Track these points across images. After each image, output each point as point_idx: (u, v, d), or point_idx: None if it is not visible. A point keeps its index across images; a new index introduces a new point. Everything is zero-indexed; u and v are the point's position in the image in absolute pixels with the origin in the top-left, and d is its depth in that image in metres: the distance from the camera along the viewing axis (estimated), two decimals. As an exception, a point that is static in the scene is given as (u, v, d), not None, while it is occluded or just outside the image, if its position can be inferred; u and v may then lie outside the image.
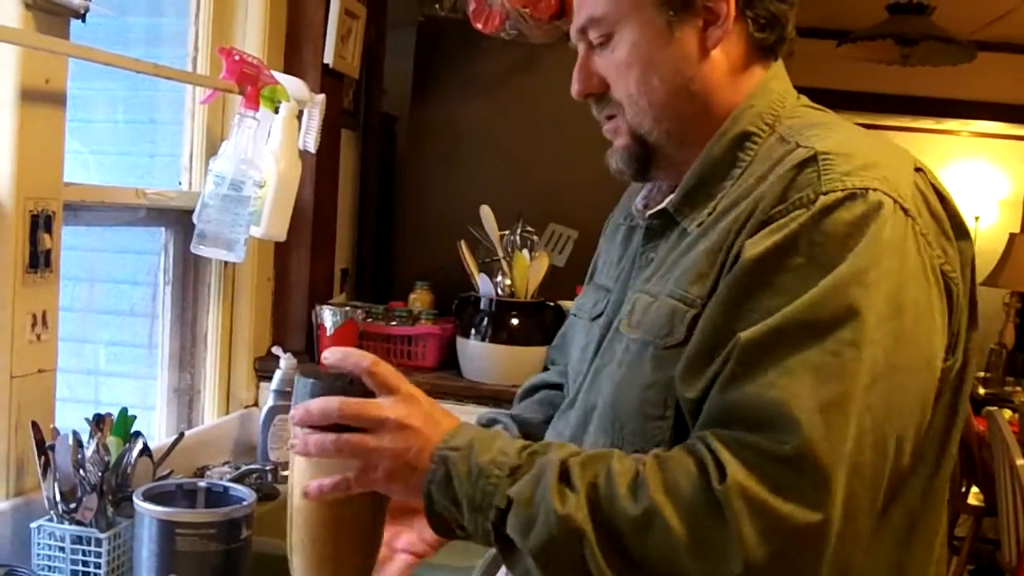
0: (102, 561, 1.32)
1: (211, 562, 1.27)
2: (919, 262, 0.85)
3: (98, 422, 1.41)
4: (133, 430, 1.45)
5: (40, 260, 1.39)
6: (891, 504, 0.88)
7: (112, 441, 1.42)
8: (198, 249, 1.66)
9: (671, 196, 1.02)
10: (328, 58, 2.14)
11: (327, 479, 0.89)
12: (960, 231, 0.92)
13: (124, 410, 1.46)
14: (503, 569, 1.12)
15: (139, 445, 1.43)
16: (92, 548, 1.32)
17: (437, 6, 2.50)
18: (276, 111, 1.79)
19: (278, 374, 1.90)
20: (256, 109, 1.68)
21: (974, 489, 4.00)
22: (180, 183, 1.94)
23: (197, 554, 1.26)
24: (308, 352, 2.17)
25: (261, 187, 1.71)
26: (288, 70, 2.04)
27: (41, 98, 1.39)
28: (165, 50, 1.93)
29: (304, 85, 1.90)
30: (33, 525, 1.34)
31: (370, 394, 0.91)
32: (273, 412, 1.89)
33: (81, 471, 1.34)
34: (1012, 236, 5.85)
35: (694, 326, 0.90)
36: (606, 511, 0.82)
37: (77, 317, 1.76)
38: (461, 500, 0.86)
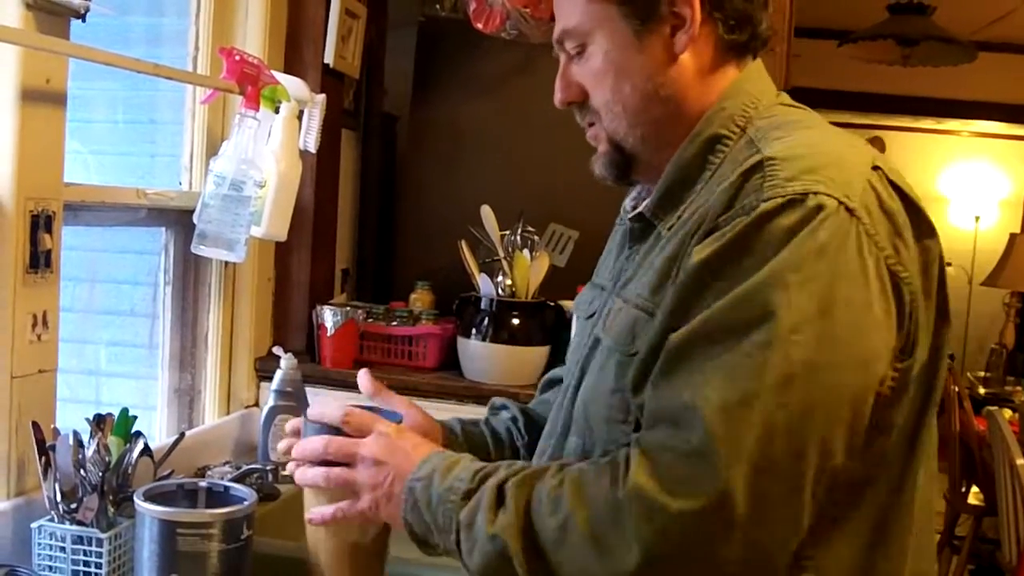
0: (103, 561, 1.32)
1: (212, 562, 1.27)
2: (859, 263, 0.86)
3: (99, 422, 1.41)
4: (134, 430, 1.45)
5: (40, 260, 1.39)
6: (858, 503, 0.90)
7: (113, 441, 1.42)
8: (198, 249, 1.66)
9: (647, 200, 1.05)
10: (328, 58, 2.14)
11: (328, 507, 1.04)
12: (922, 229, 0.92)
13: (125, 410, 1.46)
14: None
15: (140, 445, 1.43)
16: (93, 548, 1.32)
17: (438, 6, 2.50)
18: (276, 111, 1.79)
19: (279, 374, 1.90)
20: (256, 109, 1.68)
21: (974, 489, 4.00)
22: (180, 183, 1.94)
23: (198, 554, 1.26)
24: (308, 352, 2.17)
25: (262, 187, 1.71)
26: (288, 70, 2.04)
27: (41, 98, 1.39)
28: (165, 50, 1.93)
29: (304, 85, 1.90)
30: (34, 525, 1.33)
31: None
32: (274, 412, 1.88)
33: (82, 471, 1.34)
34: (1013, 236, 5.85)
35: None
36: (535, 526, 0.87)
37: (77, 317, 1.76)
38: (430, 524, 0.95)
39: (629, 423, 0.93)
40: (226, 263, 1.98)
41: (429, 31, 2.50)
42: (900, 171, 0.97)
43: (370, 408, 1.14)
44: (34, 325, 1.40)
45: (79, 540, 1.33)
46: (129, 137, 1.95)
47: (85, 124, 1.72)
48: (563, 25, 1.05)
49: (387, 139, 2.73)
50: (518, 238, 2.13)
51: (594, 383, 1.02)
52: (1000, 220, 7.83)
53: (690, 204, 0.98)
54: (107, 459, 1.38)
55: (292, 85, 1.84)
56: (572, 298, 1.72)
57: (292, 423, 1.19)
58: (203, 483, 1.42)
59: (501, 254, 2.12)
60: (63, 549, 1.32)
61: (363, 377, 1.24)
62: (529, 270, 2.10)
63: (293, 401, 1.89)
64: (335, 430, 1.05)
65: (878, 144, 8.04)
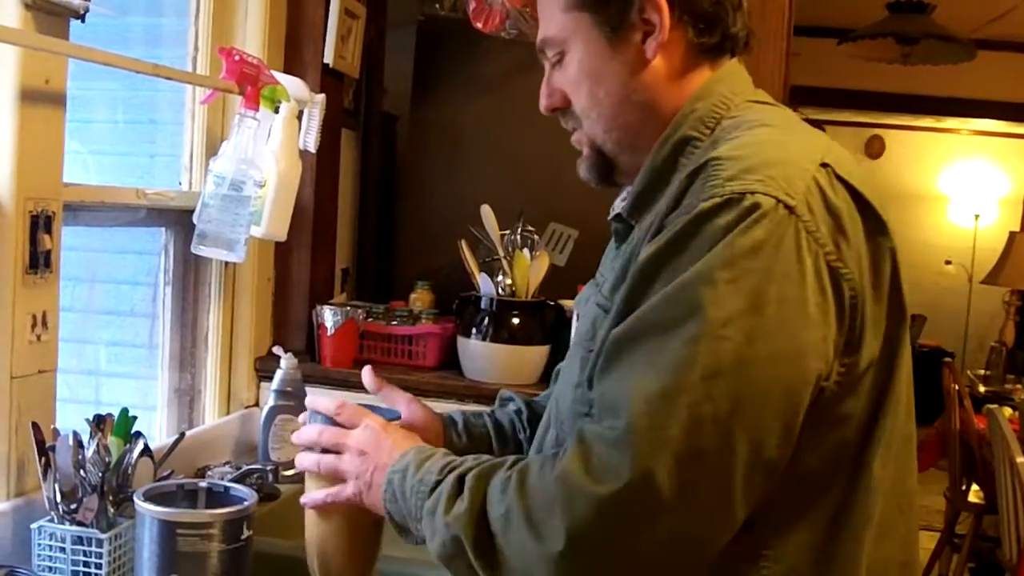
0: (103, 562, 1.32)
1: (212, 562, 1.27)
2: (797, 260, 0.87)
3: (99, 423, 1.41)
4: (134, 430, 1.45)
5: (40, 261, 1.39)
6: (815, 495, 0.92)
7: (113, 441, 1.42)
8: (198, 249, 1.66)
9: (625, 202, 1.08)
10: (328, 58, 2.14)
11: (320, 492, 1.11)
12: (873, 225, 0.94)
13: (125, 410, 1.46)
14: None
15: (140, 445, 1.43)
16: (93, 549, 1.32)
17: (437, 5, 2.50)
18: (276, 111, 1.79)
19: (279, 374, 1.90)
20: (256, 109, 1.68)
21: (974, 487, 4.00)
22: (180, 183, 1.94)
23: (198, 554, 1.26)
24: (308, 352, 2.17)
25: (261, 187, 1.71)
26: (288, 70, 2.04)
27: (41, 98, 1.39)
28: (165, 50, 1.93)
29: (304, 85, 1.90)
30: (34, 526, 1.33)
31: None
32: (274, 412, 1.89)
33: (82, 472, 1.34)
34: (1012, 235, 5.85)
35: None
36: (487, 514, 0.91)
37: (77, 318, 1.76)
38: (406, 514, 1.00)
39: (591, 416, 0.96)
40: (226, 263, 1.98)
41: (429, 30, 2.50)
42: (857, 167, 0.98)
43: (369, 406, 1.18)
44: (34, 325, 1.40)
45: (79, 541, 1.33)
46: (129, 137, 1.95)
47: (85, 124, 1.72)
48: (542, 34, 1.09)
49: (387, 139, 2.73)
50: (518, 237, 2.13)
51: (565, 378, 1.07)
52: (1000, 218, 7.83)
53: (659, 205, 1.01)
54: (107, 459, 1.38)
55: (292, 85, 1.84)
56: (572, 297, 1.72)
57: (304, 414, 1.23)
58: (203, 483, 1.42)
59: (501, 253, 2.12)
60: (63, 550, 1.32)
61: (366, 374, 1.28)
62: (529, 269, 2.10)
63: (293, 401, 1.89)
64: (332, 420, 1.12)
65: (877, 143, 8.05)
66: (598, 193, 1.16)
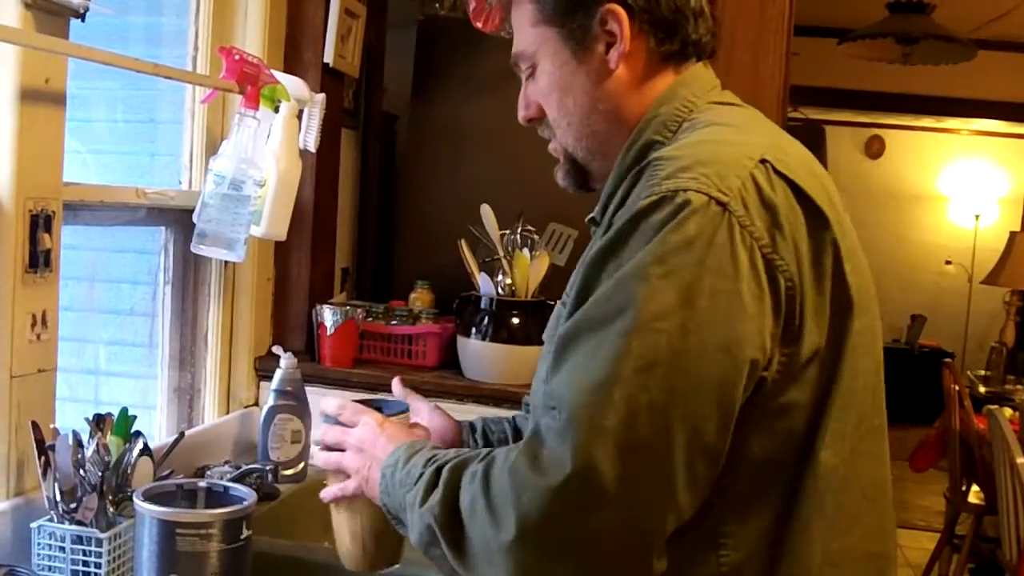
0: (102, 561, 1.32)
1: (211, 562, 1.27)
2: (730, 254, 0.90)
3: (98, 422, 1.41)
4: (133, 430, 1.45)
5: (40, 260, 1.39)
6: (767, 481, 0.95)
7: (112, 441, 1.42)
8: (198, 248, 1.66)
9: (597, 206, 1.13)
10: (328, 57, 2.14)
11: (332, 488, 1.17)
12: (813, 218, 0.96)
13: (124, 410, 1.46)
14: None
15: (139, 445, 1.43)
16: (92, 548, 1.32)
17: (437, 5, 2.50)
18: (276, 110, 1.79)
19: (278, 373, 1.90)
20: (256, 108, 1.68)
21: (975, 487, 4.00)
22: (180, 182, 1.94)
23: (197, 554, 1.26)
24: (308, 352, 2.16)
25: (261, 186, 1.71)
26: (288, 69, 2.04)
27: (41, 98, 1.39)
28: (165, 49, 1.93)
29: (304, 84, 1.90)
30: (33, 525, 1.34)
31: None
32: (273, 412, 1.88)
33: (81, 471, 1.34)
34: (1012, 235, 5.84)
35: None
36: (458, 503, 0.95)
37: (77, 317, 1.76)
38: (397, 506, 1.04)
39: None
40: (226, 262, 1.98)
41: (429, 30, 2.50)
42: (806, 163, 1.01)
43: (378, 401, 1.25)
44: (33, 324, 1.40)
45: (78, 540, 1.33)
46: (129, 136, 1.95)
47: (84, 123, 1.72)
48: (515, 48, 1.14)
49: (387, 138, 2.73)
50: (518, 237, 2.13)
51: (537, 374, 1.12)
52: (1000, 218, 7.83)
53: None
54: (107, 459, 1.38)
55: (292, 84, 1.84)
56: (572, 297, 1.72)
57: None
58: (202, 483, 1.42)
59: (501, 253, 2.12)
60: (62, 549, 1.32)
61: (396, 383, 1.38)
62: (529, 269, 2.10)
63: (293, 401, 1.89)
64: (338, 420, 1.18)
65: (877, 143, 8.05)
66: (597, 193, 1.17)
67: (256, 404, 2.10)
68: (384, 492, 1.06)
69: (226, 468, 1.77)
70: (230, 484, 1.40)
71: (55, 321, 1.44)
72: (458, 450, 1.04)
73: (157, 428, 1.92)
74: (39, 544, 1.33)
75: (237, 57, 1.66)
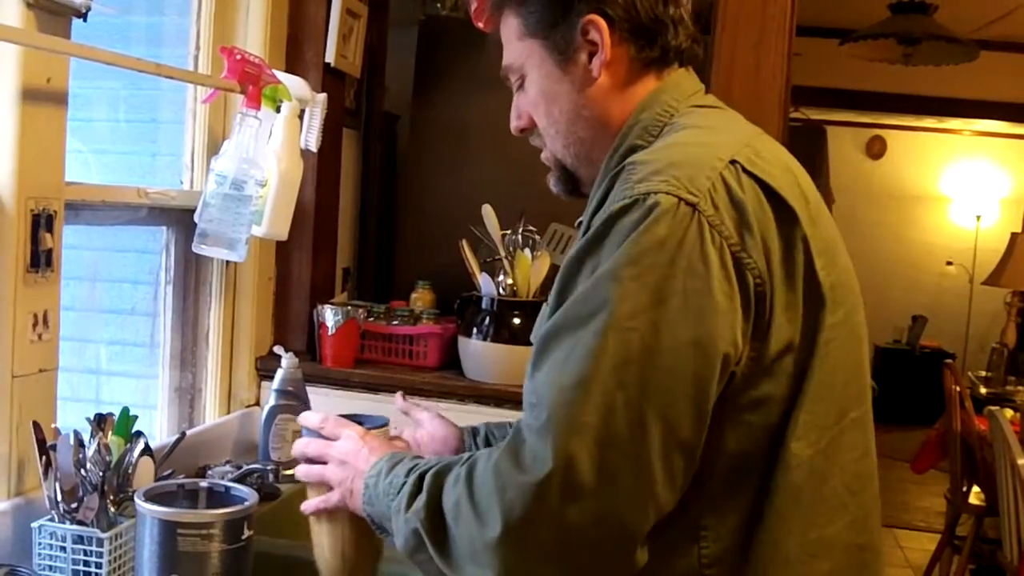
0: (103, 561, 1.32)
1: (213, 562, 1.27)
2: (700, 253, 0.93)
3: (99, 422, 1.41)
4: (134, 430, 1.45)
5: (41, 259, 1.39)
6: (743, 475, 0.98)
7: (113, 441, 1.42)
8: (199, 248, 1.66)
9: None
10: (330, 57, 2.14)
11: (315, 499, 1.18)
12: (783, 216, 0.98)
13: (125, 410, 1.46)
14: None
15: (140, 445, 1.43)
16: (93, 548, 1.32)
17: (438, 5, 2.50)
18: (278, 110, 1.79)
19: (279, 373, 1.90)
20: (258, 108, 1.68)
21: (975, 488, 3.99)
22: (182, 182, 1.94)
23: (198, 554, 1.26)
24: (309, 351, 2.16)
25: (263, 186, 1.71)
26: (290, 69, 2.04)
27: (42, 97, 1.39)
28: (167, 49, 1.93)
29: (306, 84, 1.90)
30: (34, 525, 1.33)
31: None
32: (274, 412, 1.88)
33: (82, 471, 1.34)
34: (1014, 236, 5.83)
35: None
36: (442, 507, 0.97)
37: (78, 316, 1.76)
38: (381, 515, 1.07)
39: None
40: (227, 262, 1.98)
41: (430, 30, 2.50)
42: (779, 162, 1.03)
43: (358, 416, 1.27)
44: (35, 324, 1.40)
45: (79, 540, 1.33)
46: (130, 136, 1.95)
47: (86, 123, 1.72)
48: (504, 62, 1.17)
49: (388, 138, 2.73)
50: (519, 237, 2.13)
51: (527, 372, 1.13)
52: (1001, 219, 7.83)
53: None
54: (108, 459, 1.38)
55: (293, 84, 1.84)
56: (573, 298, 1.72)
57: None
58: (204, 483, 1.42)
59: (502, 253, 2.12)
60: (63, 549, 1.32)
61: (398, 397, 1.43)
62: (530, 270, 2.10)
63: (294, 400, 1.89)
64: (319, 434, 1.20)
65: (879, 143, 8.05)
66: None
67: (257, 404, 2.10)
68: (367, 502, 1.09)
69: (227, 468, 1.77)
70: (231, 484, 1.40)
71: (56, 321, 1.44)
72: (439, 457, 1.07)
73: (158, 428, 1.92)
74: (40, 544, 1.33)
75: (239, 57, 1.66)
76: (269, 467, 1.76)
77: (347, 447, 1.15)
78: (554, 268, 2.15)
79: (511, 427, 1.35)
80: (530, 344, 1.33)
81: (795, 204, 0.99)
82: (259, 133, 1.69)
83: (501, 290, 2.09)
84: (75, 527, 1.33)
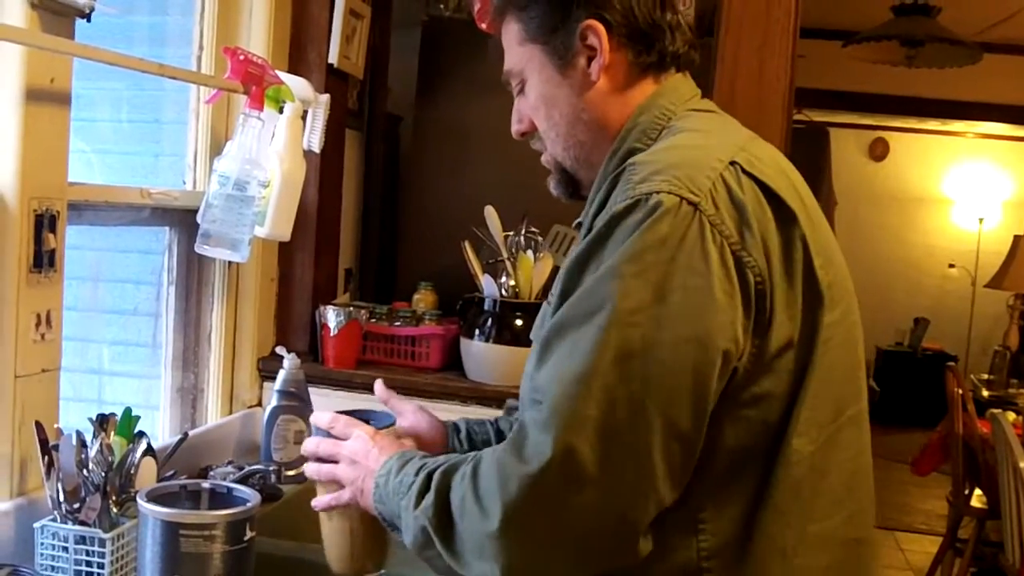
0: (106, 561, 1.32)
1: (215, 563, 1.27)
2: (701, 251, 0.95)
3: (102, 422, 1.41)
4: (137, 430, 1.45)
5: (44, 260, 1.39)
6: (742, 469, 0.99)
7: (116, 441, 1.42)
8: (202, 249, 1.66)
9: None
10: (333, 58, 2.14)
11: (325, 496, 1.20)
12: (782, 215, 1.00)
13: (128, 410, 1.46)
14: None
15: (143, 445, 1.43)
16: (96, 548, 1.32)
17: (441, 6, 2.50)
18: (281, 111, 1.79)
19: (282, 374, 1.90)
20: (261, 109, 1.68)
21: (977, 491, 3.99)
22: (184, 183, 1.94)
23: (201, 555, 1.26)
24: (311, 352, 2.16)
25: (265, 187, 1.71)
26: (293, 70, 2.04)
27: (46, 97, 1.39)
28: (170, 49, 1.93)
29: (309, 85, 1.90)
30: (37, 525, 1.33)
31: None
32: (277, 412, 1.88)
33: (85, 471, 1.34)
34: (1017, 238, 5.83)
35: None
36: (449, 504, 0.99)
37: (81, 317, 1.76)
38: (392, 514, 1.08)
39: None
40: (230, 263, 1.98)
41: (433, 31, 2.50)
42: (774, 163, 1.06)
43: (366, 412, 1.29)
44: (38, 324, 1.40)
45: (82, 540, 1.33)
46: (133, 136, 1.95)
47: (89, 123, 1.72)
48: (505, 67, 1.20)
49: (391, 139, 2.73)
50: (522, 239, 2.13)
51: (525, 370, 1.15)
52: (1004, 222, 7.82)
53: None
54: (110, 459, 1.38)
55: (296, 85, 1.84)
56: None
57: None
58: (206, 484, 1.42)
59: (505, 255, 2.12)
60: (66, 549, 1.32)
61: (378, 386, 1.40)
62: (533, 271, 2.10)
63: (296, 401, 1.89)
64: (329, 433, 1.21)
65: (881, 145, 8.05)
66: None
67: (259, 405, 2.10)
68: (378, 501, 1.10)
69: (229, 469, 1.77)
70: (233, 485, 1.40)
71: (59, 321, 1.44)
72: (447, 456, 1.08)
73: (160, 428, 1.92)
74: (42, 544, 1.33)
75: (242, 57, 1.66)
76: (271, 468, 1.76)
77: (358, 447, 1.17)
78: (556, 270, 2.15)
79: (492, 424, 1.38)
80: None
81: (794, 205, 1.01)
82: (262, 134, 1.69)
83: (503, 291, 2.09)
84: (77, 527, 1.33)
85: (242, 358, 2.07)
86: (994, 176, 7.93)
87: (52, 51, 1.36)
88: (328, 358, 2.11)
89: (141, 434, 1.44)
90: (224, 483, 1.42)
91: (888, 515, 5.20)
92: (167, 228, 1.90)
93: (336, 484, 1.18)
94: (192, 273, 1.96)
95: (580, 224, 1.18)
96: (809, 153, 6.17)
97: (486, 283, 2.08)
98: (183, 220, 1.88)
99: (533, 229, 2.14)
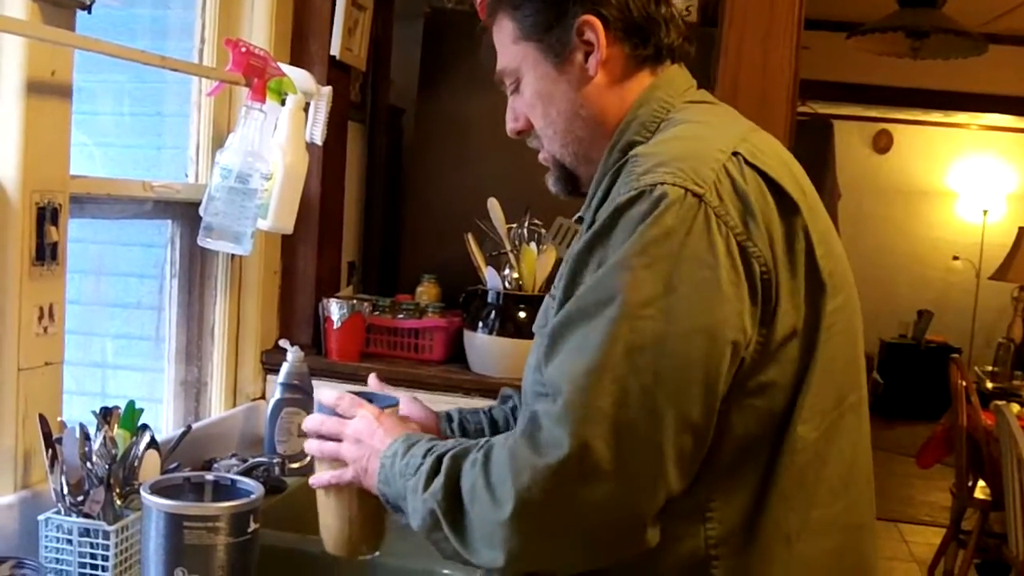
0: (110, 554, 1.32)
1: (219, 555, 1.27)
2: (707, 242, 0.95)
3: (105, 415, 1.41)
4: (140, 423, 1.45)
5: (47, 253, 1.39)
6: (748, 458, 1.00)
7: (119, 434, 1.42)
8: (205, 242, 1.66)
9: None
10: (335, 50, 2.13)
11: (325, 474, 1.19)
12: (784, 206, 1.01)
13: (131, 403, 1.46)
14: None
15: (146, 438, 1.43)
16: (100, 541, 1.32)
17: (444, -2, 2.49)
18: (283, 103, 1.79)
19: (285, 367, 1.90)
20: (263, 101, 1.67)
21: (981, 483, 3.99)
22: (187, 175, 1.93)
23: (204, 547, 1.26)
24: (315, 345, 2.16)
25: (268, 180, 1.70)
26: (295, 62, 2.03)
27: (47, 90, 1.38)
28: (172, 42, 1.93)
29: (311, 77, 1.89)
30: (41, 518, 1.34)
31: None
32: (280, 405, 1.89)
33: (88, 464, 1.34)
34: (1021, 230, 5.83)
35: None
36: (460, 488, 0.99)
37: (84, 310, 1.76)
38: (396, 495, 1.08)
39: (547, 396, 1.03)
40: (232, 256, 1.98)
41: (435, 23, 2.49)
42: (776, 154, 1.07)
43: (370, 394, 1.28)
44: (40, 318, 1.40)
45: (86, 533, 1.33)
46: (135, 129, 1.95)
47: (91, 116, 1.71)
48: (499, 66, 1.20)
49: (393, 132, 2.73)
50: (525, 231, 2.13)
51: (528, 362, 1.16)
52: (1008, 214, 7.81)
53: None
54: (113, 452, 1.38)
55: (298, 77, 1.84)
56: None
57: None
58: (210, 476, 1.42)
59: (508, 247, 2.12)
60: (70, 541, 1.33)
61: (372, 378, 1.41)
62: (536, 263, 2.10)
63: (299, 394, 1.89)
64: (334, 411, 1.20)
65: (885, 137, 8.02)
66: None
67: (263, 398, 2.10)
68: (383, 482, 1.10)
69: (233, 461, 1.77)
70: (237, 477, 1.41)
71: (62, 314, 1.44)
72: (455, 440, 1.09)
73: (164, 421, 1.92)
74: (46, 537, 1.33)
75: (244, 50, 1.66)
76: (275, 460, 1.76)
77: (362, 426, 1.16)
78: (560, 262, 2.14)
79: (485, 413, 1.38)
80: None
81: (795, 195, 1.02)
82: (264, 126, 1.69)
83: (507, 284, 2.09)
84: (81, 520, 1.33)
85: (245, 351, 2.07)
86: (998, 168, 7.91)
87: (53, 43, 1.36)
88: (331, 351, 2.11)
89: (145, 427, 1.44)
90: (228, 475, 1.42)
91: (892, 507, 5.20)
92: (169, 221, 1.90)
93: (338, 463, 1.18)
94: (195, 266, 1.96)
95: (582, 218, 1.18)
96: (813, 145, 6.15)
97: (489, 275, 2.08)
98: (185, 213, 1.88)
99: (536, 221, 2.14)
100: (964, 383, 3.98)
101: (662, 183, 0.96)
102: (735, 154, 1.01)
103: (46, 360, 1.42)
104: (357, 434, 1.16)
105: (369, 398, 1.24)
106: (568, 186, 1.21)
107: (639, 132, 1.11)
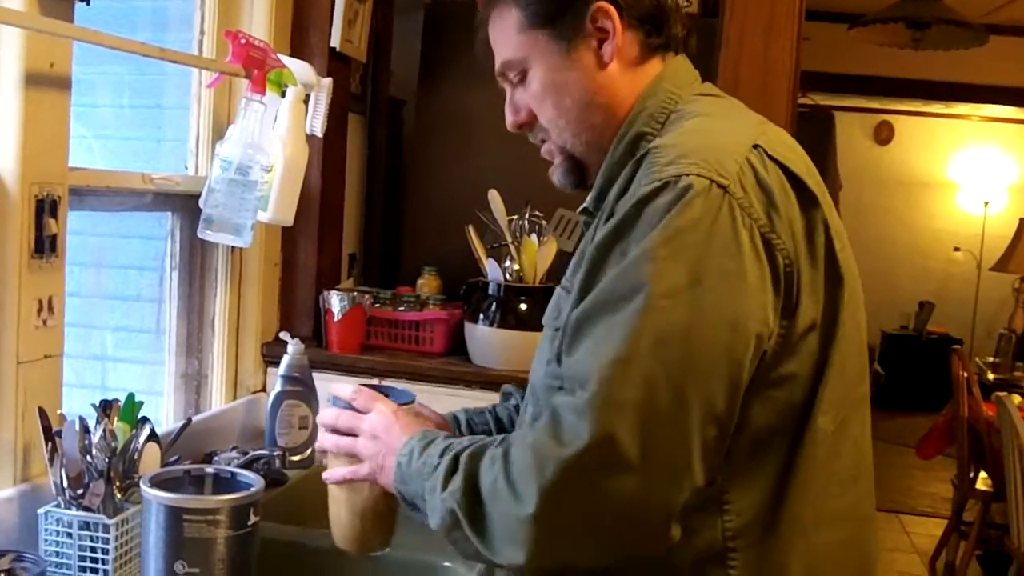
0: (110, 547, 1.32)
1: (219, 548, 1.27)
2: (733, 234, 0.95)
3: (105, 408, 1.41)
4: (140, 416, 1.45)
5: (46, 245, 1.39)
6: (767, 450, 1.00)
7: (119, 427, 1.42)
8: (205, 234, 1.65)
9: (589, 195, 1.18)
10: (335, 42, 2.13)
11: (340, 470, 1.17)
12: (805, 199, 1.01)
13: (131, 396, 1.46)
14: None
15: (146, 431, 1.43)
16: (100, 534, 1.32)
17: (444, -11, 2.48)
18: (283, 95, 1.78)
19: (285, 359, 1.90)
20: (263, 93, 1.67)
21: (982, 474, 3.99)
22: (186, 168, 1.93)
23: (205, 540, 1.26)
24: (315, 338, 2.16)
25: (268, 172, 1.70)
26: (295, 54, 2.03)
27: (46, 82, 1.38)
28: (171, 33, 1.92)
29: (311, 69, 1.89)
30: (41, 511, 1.34)
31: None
32: (281, 398, 1.88)
33: (88, 457, 1.34)
34: (1022, 221, 5.82)
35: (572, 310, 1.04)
36: (479, 486, 0.98)
37: (84, 303, 1.76)
38: (413, 494, 1.06)
39: (563, 389, 1.02)
40: (233, 248, 1.98)
41: (436, 15, 2.48)
42: (792, 147, 1.07)
43: (385, 388, 1.26)
44: (40, 310, 1.40)
45: (86, 526, 1.33)
46: (135, 121, 1.94)
47: (90, 108, 1.71)
48: (502, 58, 1.18)
49: (394, 123, 2.72)
50: (526, 223, 2.12)
51: (537, 356, 1.16)
52: (1009, 205, 7.79)
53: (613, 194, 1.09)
54: (113, 445, 1.37)
55: (298, 69, 1.83)
56: (580, 284, 1.71)
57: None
58: (210, 469, 1.42)
59: (509, 239, 2.11)
60: (70, 535, 1.33)
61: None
62: (537, 255, 2.09)
63: (300, 387, 1.89)
64: (351, 406, 1.18)
65: (886, 128, 8.00)
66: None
67: (263, 390, 2.10)
68: (400, 480, 1.08)
69: (233, 454, 1.77)
70: (237, 470, 1.40)
71: (61, 307, 1.44)
72: (471, 438, 1.07)
73: (164, 414, 1.92)
74: (46, 530, 1.33)
75: (243, 41, 1.65)
76: (275, 453, 1.76)
77: (379, 422, 1.14)
78: (560, 254, 2.14)
79: (490, 412, 1.37)
80: (537, 329, 1.36)
81: (814, 188, 1.02)
82: (264, 118, 1.68)
83: (507, 276, 2.08)
84: (81, 513, 1.33)
85: (246, 344, 2.07)
86: (1000, 160, 7.89)
87: (52, 35, 1.35)
88: (332, 343, 2.11)
89: (145, 420, 1.44)
90: (228, 468, 1.42)
91: (893, 498, 5.20)
92: (169, 213, 1.89)
93: (353, 458, 1.16)
94: (195, 258, 1.96)
95: (585, 210, 1.17)
96: (814, 137, 6.14)
97: (490, 267, 2.08)
98: (185, 205, 1.88)
99: (537, 213, 2.14)
100: (965, 374, 3.97)
101: (687, 174, 0.96)
102: (756, 147, 1.01)
103: (45, 353, 1.42)
104: (374, 430, 1.14)
105: (386, 393, 1.22)
106: (576, 178, 1.19)
107: (648, 124, 1.11)
